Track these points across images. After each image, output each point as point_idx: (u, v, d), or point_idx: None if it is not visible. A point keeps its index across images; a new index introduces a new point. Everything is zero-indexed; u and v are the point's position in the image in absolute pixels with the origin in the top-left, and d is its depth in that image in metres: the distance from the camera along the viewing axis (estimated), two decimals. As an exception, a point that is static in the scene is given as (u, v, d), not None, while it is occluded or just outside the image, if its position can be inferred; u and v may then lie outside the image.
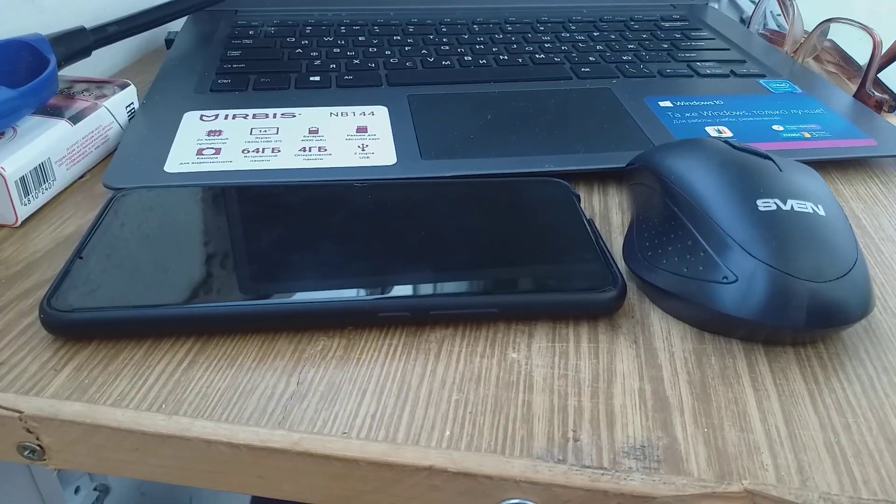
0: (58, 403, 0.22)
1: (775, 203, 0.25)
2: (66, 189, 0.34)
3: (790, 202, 0.25)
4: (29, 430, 0.22)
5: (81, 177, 0.35)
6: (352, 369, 0.24)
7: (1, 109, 0.31)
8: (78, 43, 0.38)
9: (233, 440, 0.21)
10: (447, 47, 0.48)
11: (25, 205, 0.31)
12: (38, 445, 0.23)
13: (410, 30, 0.51)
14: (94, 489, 0.47)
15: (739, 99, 0.42)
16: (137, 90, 0.39)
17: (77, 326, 0.24)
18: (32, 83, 0.32)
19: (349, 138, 0.36)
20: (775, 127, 0.39)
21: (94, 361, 0.24)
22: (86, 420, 0.22)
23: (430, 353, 0.25)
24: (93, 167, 0.36)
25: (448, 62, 0.46)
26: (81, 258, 0.26)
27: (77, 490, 0.45)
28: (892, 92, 0.44)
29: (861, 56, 0.50)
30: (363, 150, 0.35)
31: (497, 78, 0.44)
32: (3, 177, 0.30)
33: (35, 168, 0.31)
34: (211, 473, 0.22)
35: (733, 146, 0.29)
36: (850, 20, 0.44)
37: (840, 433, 0.22)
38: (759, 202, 0.25)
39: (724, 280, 0.25)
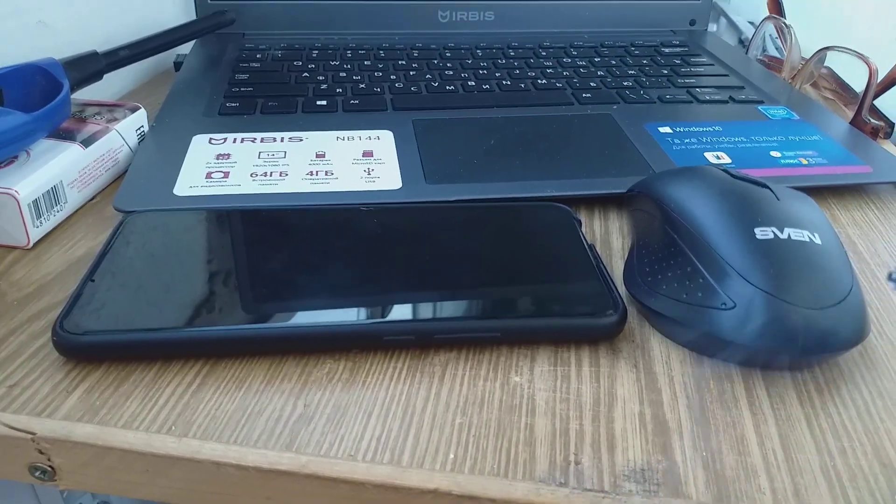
0: (70, 425, 0.23)
1: (773, 231, 0.26)
2: (77, 211, 0.35)
3: (787, 231, 0.26)
4: (41, 451, 0.23)
5: (92, 199, 0.36)
6: (357, 392, 0.24)
7: (16, 133, 0.32)
8: (90, 67, 0.39)
9: (242, 462, 0.22)
10: (451, 72, 0.49)
11: (37, 227, 0.32)
12: (50, 466, 0.23)
13: (415, 54, 0.52)
14: (94, 497, 0.47)
15: (738, 125, 0.43)
16: (147, 112, 0.40)
17: (89, 349, 0.25)
18: (46, 108, 0.33)
19: (355, 162, 0.37)
20: (773, 153, 0.39)
21: (106, 383, 0.24)
22: (97, 442, 0.22)
23: (434, 376, 0.25)
24: (103, 189, 0.36)
25: (452, 87, 0.47)
26: (93, 281, 0.27)
27: (80, 507, 0.45)
28: (888, 119, 0.45)
29: (857, 83, 0.51)
30: (369, 174, 0.36)
31: (500, 103, 0.45)
32: (16, 199, 0.30)
33: (48, 191, 0.32)
34: (220, 495, 0.22)
35: (731, 175, 0.30)
36: (847, 48, 0.45)
37: (836, 457, 0.22)
38: (756, 230, 0.26)
39: (723, 306, 0.25)
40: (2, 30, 0.39)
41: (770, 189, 0.28)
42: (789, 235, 0.26)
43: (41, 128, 0.33)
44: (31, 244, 0.32)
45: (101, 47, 0.41)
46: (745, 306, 0.25)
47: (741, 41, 0.72)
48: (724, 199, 0.28)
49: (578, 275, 0.28)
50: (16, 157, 0.33)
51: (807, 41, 0.53)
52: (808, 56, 0.50)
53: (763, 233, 0.26)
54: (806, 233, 0.26)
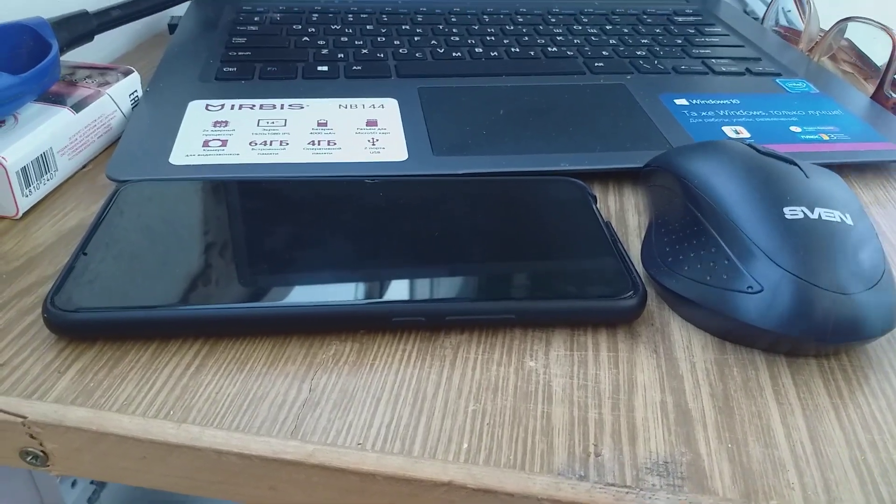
0: (63, 409, 0.21)
1: (802, 211, 0.25)
2: (68, 180, 0.33)
3: (818, 210, 0.25)
4: (32, 436, 0.22)
5: (84, 167, 0.34)
6: (365, 376, 0.23)
7: (2, 97, 0.30)
8: (81, 27, 0.37)
9: (244, 451, 0.20)
10: (457, 38, 0.47)
11: (26, 196, 0.30)
12: (42, 451, 0.22)
13: (419, 19, 0.50)
14: (91, 482, 0.46)
15: (756, 98, 0.41)
16: (140, 76, 0.38)
17: (82, 327, 0.23)
18: (34, 70, 0.31)
19: (359, 132, 0.35)
20: (793, 128, 0.38)
21: (100, 363, 0.23)
22: (92, 427, 0.21)
23: (445, 359, 0.24)
24: (95, 157, 0.35)
25: (458, 54, 0.45)
26: (86, 254, 0.26)
27: (74, 483, 0.44)
28: (911, 94, 0.43)
29: (877, 56, 0.49)
30: (373, 144, 0.34)
31: (509, 71, 0.43)
32: (3, 167, 0.29)
33: (37, 158, 0.30)
34: (221, 484, 0.21)
35: (757, 150, 0.28)
36: (869, 20, 0.44)
37: (867, 451, 0.21)
38: (786, 210, 0.25)
39: (749, 290, 0.24)
40: (-14, -14, 0.37)
41: (798, 166, 0.27)
42: (820, 215, 0.25)
43: (29, 90, 0.31)
44: (19, 214, 0.30)
45: (93, 7, 0.39)
46: (773, 290, 0.24)
47: (745, 13, 0.70)
48: (751, 176, 0.26)
49: (595, 254, 0.27)
50: (2, 121, 0.31)
51: (821, 13, 0.51)
52: (825, 27, 0.48)
53: (792, 212, 0.25)
54: (837, 213, 0.25)
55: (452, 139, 0.35)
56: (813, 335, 0.23)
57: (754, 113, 0.39)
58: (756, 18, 0.67)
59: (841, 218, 0.25)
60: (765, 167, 0.27)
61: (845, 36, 0.49)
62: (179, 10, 0.50)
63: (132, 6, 0.41)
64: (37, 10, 0.40)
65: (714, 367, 0.24)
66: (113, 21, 0.39)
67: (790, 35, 0.53)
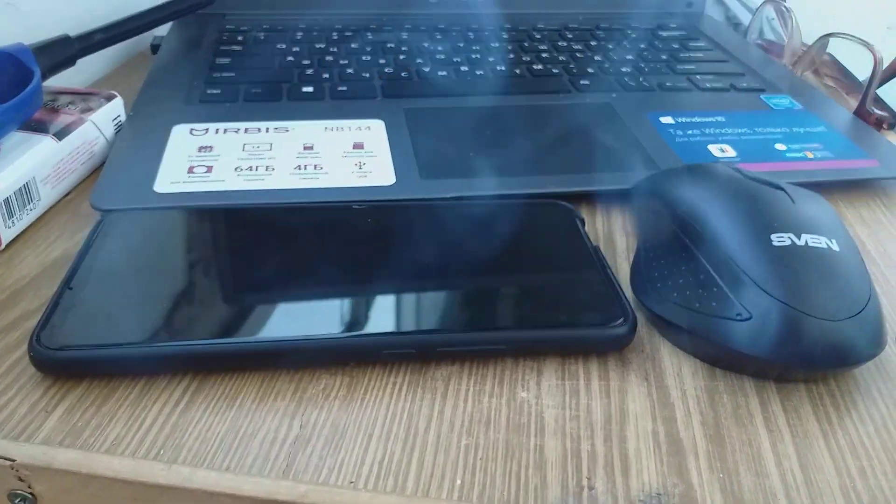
0: (51, 451, 0.21)
1: (790, 238, 0.25)
2: (51, 208, 0.33)
3: (804, 237, 0.25)
4: (21, 479, 0.21)
5: (67, 195, 0.34)
6: (356, 411, 0.23)
7: (-16, 127, 0.30)
8: (62, 52, 0.37)
9: (237, 492, 0.20)
10: (442, 56, 0.47)
11: (9, 227, 0.30)
12: (31, 494, 0.22)
13: (404, 37, 0.50)
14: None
15: (741, 115, 0.41)
16: (123, 100, 0.37)
17: (68, 365, 0.23)
18: (17, 99, 0.31)
19: (346, 155, 0.35)
20: (778, 146, 0.38)
21: (87, 402, 0.23)
22: (81, 469, 0.21)
23: (436, 392, 0.24)
24: (78, 184, 0.34)
25: (444, 72, 0.45)
26: (71, 288, 0.25)
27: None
28: (892, 110, 0.44)
29: (858, 70, 0.50)
30: (360, 168, 0.34)
31: (495, 90, 0.43)
32: (-14, 199, 0.28)
33: (20, 188, 0.30)
34: (212, 526, 0.21)
35: (743, 174, 0.28)
36: (850, 35, 0.44)
37: (856, 478, 0.22)
38: (773, 237, 0.25)
39: (738, 317, 0.24)
40: (-33, 12, 0.37)
41: (784, 190, 0.27)
42: (807, 242, 0.25)
43: (12, 120, 0.31)
44: (2, 246, 0.30)
45: (73, 30, 0.39)
46: (762, 317, 0.24)
47: (728, 18, 0.70)
48: (738, 202, 0.27)
49: (584, 280, 0.27)
50: (-16, 151, 0.31)
51: (803, 25, 0.51)
52: (808, 41, 0.48)
53: (780, 239, 0.25)
54: (823, 239, 0.25)
55: (439, 161, 0.35)
56: (801, 362, 0.23)
57: (739, 130, 0.40)
58: (738, 25, 0.67)
59: (827, 244, 0.25)
60: (751, 192, 0.27)
61: (827, 51, 0.50)
62: (162, 30, 0.50)
63: (115, 29, 0.40)
64: (15, 35, 0.40)
65: (704, 395, 0.24)
66: (95, 45, 0.39)
67: (773, 49, 0.54)
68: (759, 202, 0.26)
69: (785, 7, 0.51)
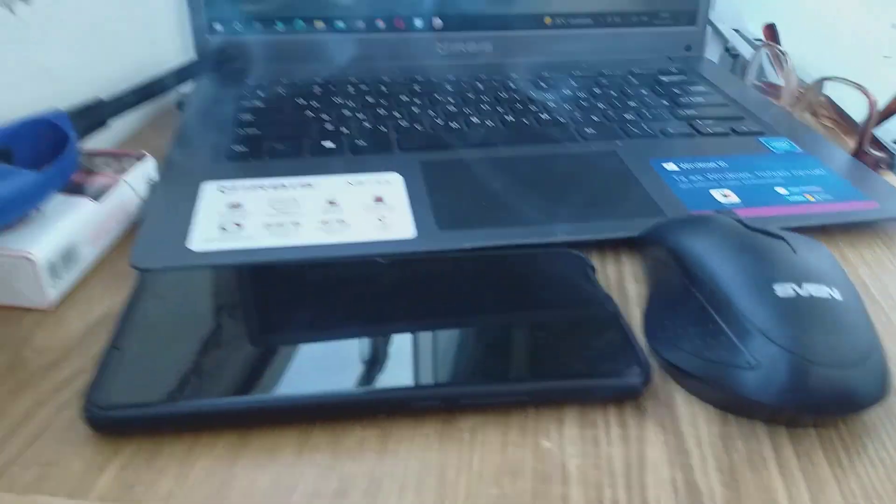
0: (107, 509, 0.22)
1: (793, 288, 0.26)
2: (90, 268, 0.34)
3: (806, 287, 0.27)
4: (77, 535, 0.23)
5: (104, 254, 0.35)
6: (389, 462, 0.24)
7: (28, 194, 0.32)
8: (96, 115, 0.39)
9: (282, 545, 0.22)
10: (453, 108, 0.49)
11: (55, 287, 0.31)
12: (87, 550, 0.23)
13: (416, 89, 0.52)
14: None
15: (741, 160, 0.43)
16: (152, 156, 0.39)
17: (120, 424, 0.25)
18: (57, 164, 0.33)
19: (367, 209, 0.37)
20: (779, 189, 0.40)
21: (138, 458, 0.24)
22: (135, 525, 0.22)
23: (463, 442, 0.25)
24: (115, 243, 0.36)
25: (456, 124, 0.47)
26: (118, 349, 0.27)
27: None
28: (890, 150, 0.45)
29: (855, 109, 0.52)
30: (382, 221, 0.36)
31: (505, 141, 0.45)
32: (33, 262, 0.30)
33: (63, 250, 0.32)
34: (260, 577, 0.22)
35: (745, 225, 0.30)
36: (846, 79, 0.46)
37: (866, 520, 0.23)
38: (776, 287, 0.26)
39: (747, 365, 0.26)
40: (8, 80, 0.39)
41: (785, 240, 0.29)
42: (810, 293, 0.26)
43: (53, 185, 0.33)
44: (49, 306, 0.31)
45: (103, 90, 0.41)
46: (769, 366, 0.25)
47: (727, 49, 0.72)
48: (743, 254, 0.28)
49: (600, 329, 0.29)
50: (27, 215, 0.32)
51: (797, 59, 0.53)
52: (804, 79, 0.50)
53: (783, 289, 0.26)
54: (825, 289, 0.27)
55: (456, 213, 0.37)
56: (810, 408, 0.25)
57: (741, 175, 0.41)
58: (737, 56, 0.69)
59: (829, 294, 0.27)
60: (754, 243, 0.29)
61: (823, 91, 0.52)
62: (186, 86, 0.52)
63: (144, 90, 0.43)
64: (50, 97, 0.42)
65: (719, 441, 0.26)
66: (126, 106, 0.41)
67: (771, 90, 0.56)
68: (762, 253, 0.28)
69: (780, 51, 0.53)
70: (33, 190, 0.31)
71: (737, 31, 0.74)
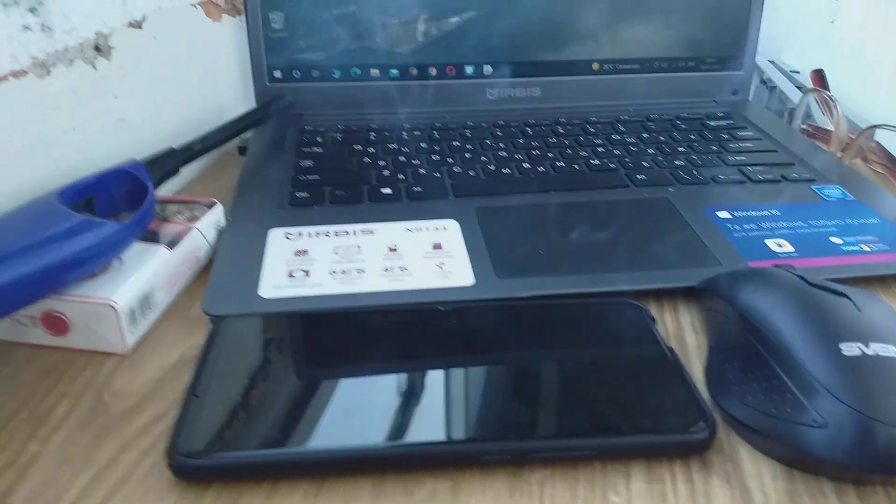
0: (194, 555, 0.23)
1: (859, 348, 0.27)
2: (164, 313, 0.36)
3: (873, 346, 0.27)
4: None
5: (176, 299, 0.37)
6: (462, 514, 0.25)
7: (111, 243, 0.33)
8: (169, 164, 0.41)
9: None
10: (504, 154, 0.50)
11: (132, 333, 0.33)
12: None
13: (467, 134, 0.53)
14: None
15: (794, 208, 0.43)
16: (216, 199, 0.41)
17: (203, 472, 0.26)
18: (137, 215, 0.35)
19: (427, 256, 0.38)
20: (833, 239, 0.40)
21: (219, 504, 0.25)
22: (221, 572, 0.23)
23: (533, 496, 0.26)
24: (185, 288, 0.38)
25: (508, 170, 0.48)
26: (196, 396, 0.28)
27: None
28: (943, 199, 0.45)
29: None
30: (441, 269, 0.37)
31: (556, 187, 0.46)
32: (116, 310, 0.32)
33: (141, 297, 0.33)
34: None
35: (808, 282, 0.30)
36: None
37: (939, 584, 0.23)
38: (842, 346, 0.27)
39: (814, 424, 0.26)
40: (87, 132, 0.41)
41: (849, 298, 0.29)
42: (876, 352, 0.27)
43: (134, 235, 0.35)
44: (127, 351, 0.33)
45: (171, 139, 0.43)
46: (837, 425, 0.25)
47: (763, 81, 0.72)
48: (807, 312, 0.28)
49: (664, 383, 0.29)
50: (109, 264, 0.34)
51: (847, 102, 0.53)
52: (854, 120, 0.51)
53: (849, 349, 0.27)
54: (891, 348, 0.27)
55: (513, 260, 0.38)
56: (877, 467, 0.25)
57: (794, 224, 0.42)
58: (773, 88, 0.70)
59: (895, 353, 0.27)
60: (819, 302, 0.29)
61: (874, 138, 0.52)
62: (247, 132, 0.54)
63: (210, 138, 0.44)
64: (126, 147, 0.44)
65: (785, 497, 0.26)
66: (195, 154, 0.43)
67: (819, 134, 0.56)
68: (827, 311, 0.28)
69: (829, 97, 0.54)
70: (117, 240, 0.33)
71: (772, 62, 0.75)
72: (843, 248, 0.39)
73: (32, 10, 0.37)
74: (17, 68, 0.36)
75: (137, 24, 0.45)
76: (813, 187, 0.46)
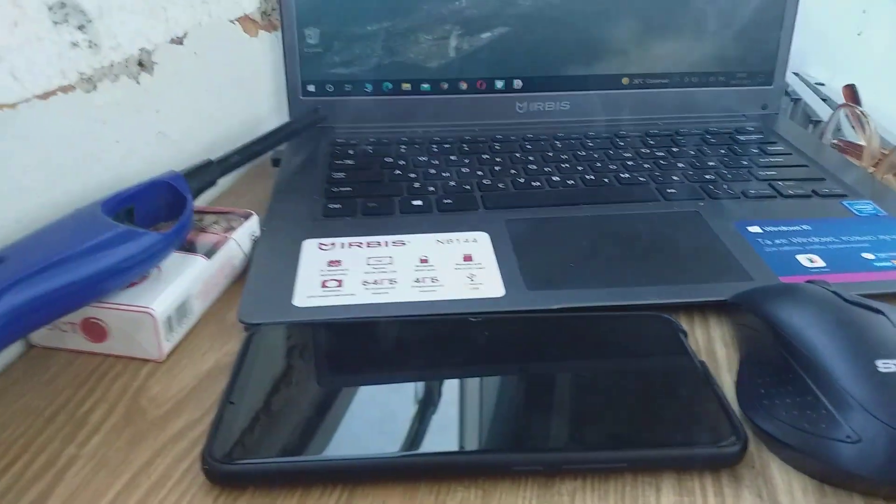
0: (231, 557, 0.24)
1: (895, 365, 0.27)
2: (199, 321, 0.37)
3: (908, 363, 0.27)
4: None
5: (212, 307, 0.38)
6: (493, 523, 0.25)
7: (152, 253, 0.34)
8: (207, 176, 0.42)
9: None
10: (534, 167, 0.51)
11: (169, 340, 0.34)
12: None
13: (497, 147, 0.54)
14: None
15: (826, 223, 0.43)
16: (250, 209, 0.42)
17: (238, 477, 0.26)
18: (177, 226, 0.35)
19: (458, 268, 0.38)
20: (865, 255, 0.40)
21: (254, 509, 0.26)
22: (257, 574, 0.24)
23: (564, 506, 0.26)
24: (221, 297, 0.38)
25: (538, 183, 0.48)
26: (232, 403, 0.29)
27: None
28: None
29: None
30: (472, 280, 0.37)
31: (586, 200, 0.46)
32: (154, 317, 0.32)
33: (178, 306, 0.34)
34: None
35: (843, 298, 0.30)
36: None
37: None
38: (878, 363, 0.27)
39: (847, 439, 0.26)
40: (130, 145, 0.42)
41: (885, 314, 0.29)
42: (911, 369, 0.26)
43: (174, 245, 0.35)
44: (163, 357, 0.34)
45: (208, 151, 0.44)
46: (871, 441, 0.25)
47: (787, 93, 0.72)
48: (842, 328, 0.28)
49: (695, 396, 0.29)
50: (149, 273, 0.35)
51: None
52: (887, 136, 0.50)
53: (885, 366, 0.27)
54: (927, 364, 0.27)
55: (543, 272, 0.38)
56: (913, 485, 0.25)
57: (825, 239, 0.42)
58: (798, 100, 0.69)
59: (931, 369, 0.27)
60: (854, 318, 0.29)
61: (906, 153, 0.51)
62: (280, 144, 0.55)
63: (246, 150, 0.45)
64: (166, 159, 0.45)
65: (818, 513, 0.26)
66: (232, 166, 0.44)
67: (849, 149, 0.56)
68: (862, 327, 0.28)
69: (861, 112, 0.53)
70: (157, 250, 0.34)
71: (797, 74, 0.74)
72: (876, 263, 0.39)
73: (81, 28, 0.38)
74: (66, 83, 0.37)
75: (179, 41, 0.47)
76: (844, 202, 0.46)
